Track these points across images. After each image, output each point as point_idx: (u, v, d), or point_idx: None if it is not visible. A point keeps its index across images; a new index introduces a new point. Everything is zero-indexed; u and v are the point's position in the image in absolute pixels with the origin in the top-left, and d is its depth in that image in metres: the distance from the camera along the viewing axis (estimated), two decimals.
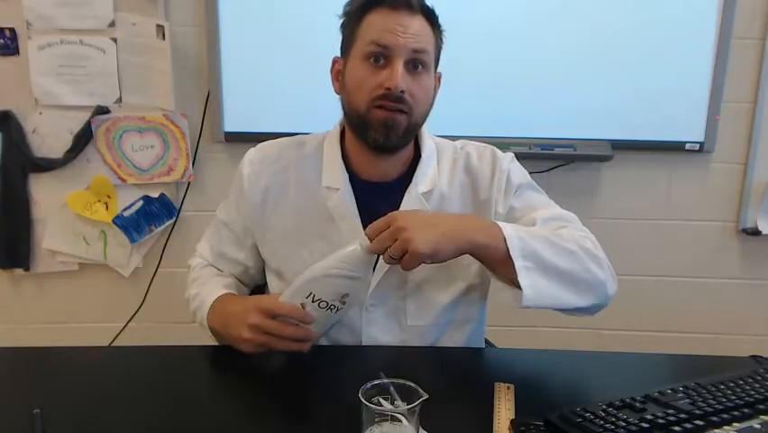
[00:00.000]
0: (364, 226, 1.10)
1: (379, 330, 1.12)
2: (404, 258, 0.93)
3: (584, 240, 1.05)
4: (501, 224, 1.00)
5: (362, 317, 1.12)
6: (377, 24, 1.05)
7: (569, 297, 1.00)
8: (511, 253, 0.96)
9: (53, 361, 1.06)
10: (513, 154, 1.19)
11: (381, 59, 1.04)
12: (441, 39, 1.11)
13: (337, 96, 1.14)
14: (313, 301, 0.95)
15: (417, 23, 1.05)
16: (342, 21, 1.12)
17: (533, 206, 1.14)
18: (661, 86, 1.90)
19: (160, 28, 1.87)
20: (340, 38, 1.13)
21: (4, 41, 1.87)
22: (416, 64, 1.05)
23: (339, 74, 1.13)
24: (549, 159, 1.95)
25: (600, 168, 2.00)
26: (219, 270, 1.23)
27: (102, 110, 1.90)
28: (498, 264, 1.00)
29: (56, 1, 1.83)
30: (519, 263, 0.97)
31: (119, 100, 1.91)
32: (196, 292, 1.17)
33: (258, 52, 1.89)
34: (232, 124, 1.94)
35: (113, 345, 1.99)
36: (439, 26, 1.10)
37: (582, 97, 1.91)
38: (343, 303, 0.97)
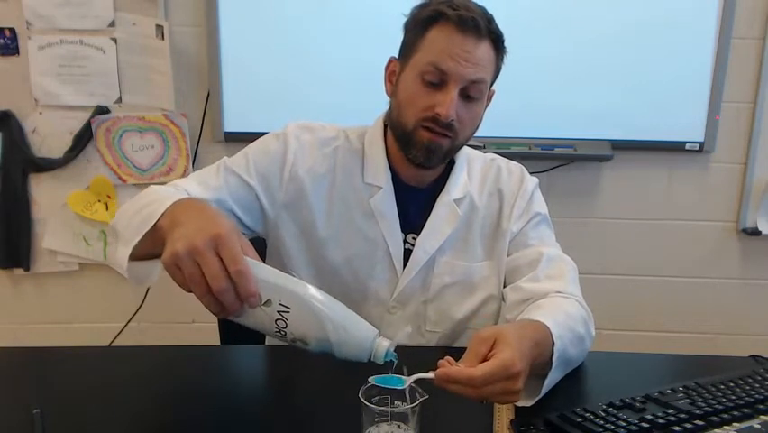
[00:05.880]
0: (401, 227, 1.12)
1: (398, 333, 1.12)
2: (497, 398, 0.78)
3: (584, 315, 1.02)
4: (551, 326, 0.89)
5: (383, 318, 1.13)
6: (440, 43, 1.01)
7: (561, 377, 0.94)
8: (553, 359, 0.88)
9: (53, 361, 1.06)
10: (538, 181, 1.20)
11: (437, 81, 1.01)
12: (502, 61, 1.09)
13: (387, 99, 1.12)
14: (279, 313, 0.74)
15: (482, 50, 1.01)
16: (406, 22, 1.08)
17: (543, 240, 1.15)
18: (661, 86, 1.91)
19: (159, 28, 1.87)
20: (401, 37, 1.09)
21: (4, 41, 1.87)
22: (470, 94, 1.03)
23: (393, 75, 1.10)
24: (549, 159, 1.95)
25: (600, 168, 2.00)
26: None
27: (102, 110, 1.90)
28: (534, 366, 0.87)
29: (56, 1, 1.83)
30: (553, 366, 0.88)
31: (119, 100, 1.91)
32: (153, 198, 0.90)
33: (258, 52, 1.89)
34: (232, 124, 1.94)
35: (113, 345, 1.99)
36: (503, 49, 1.07)
37: (582, 97, 1.91)
38: (294, 342, 0.76)
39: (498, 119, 1.92)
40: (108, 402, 0.91)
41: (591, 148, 1.93)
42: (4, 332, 2.06)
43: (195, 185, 1.07)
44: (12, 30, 1.86)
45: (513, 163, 1.21)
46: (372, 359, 0.75)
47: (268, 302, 0.75)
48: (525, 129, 1.92)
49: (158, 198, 0.89)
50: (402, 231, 1.12)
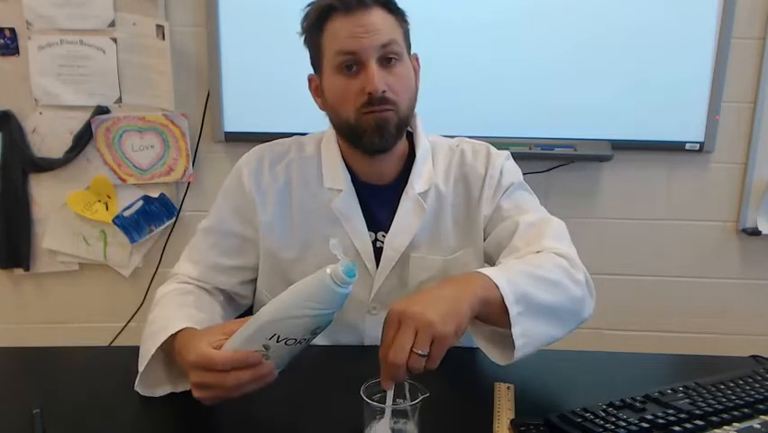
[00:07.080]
0: (370, 227, 1.11)
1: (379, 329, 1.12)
2: (432, 349, 0.78)
3: (561, 261, 0.99)
4: (485, 270, 0.91)
5: (365, 319, 1.12)
6: (338, 33, 1.03)
7: (554, 331, 0.94)
8: (505, 300, 0.87)
9: (53, 361, 1.06)
10: (509, 153, 1.18)
11: (354, 66, 1.02)
12: (405, 21, 1.09)
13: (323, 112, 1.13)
14: (278, 341, 0.80)
15: (376, 17, 1.03)
16: (303, 38, 1.11)
17: (520, 207, 1.12)
18: (661, 86, 1.90)
19: (159, 28, 1.87)
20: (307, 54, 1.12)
21: (4, 41, 1.87)
22: (388, 58, 1.03)
23: (318, 90, 1.11)
24: (549, 159, 1.95)
25: (600, 168, 2.00)
26: (207, 289, 1.12)
27: (102, 110, 1.90)
28: (495, 316, 0.90)
29: (56, 1, 1.83)
30: (513, 310, 0.88)
31: (119, 100, 1.91)
32: (155, 328, 0.97)
33: (258, 52, 1.89)
34: (232, 124, 1.94)
35: (113, 345, 1.99)
36: (398, 10, 1.08)
37: (582, 97, 1.91)
38: (315, 334, 0.82)
39: (498, 119, 1.93)
40: (108, 402, 0.91)
41: (591, 148, 1.93)
42: (4, 332, 2.06)
43: (189, 266, 1.13)
44: (12, 30, 1.86)
45: (478, 143, 1.19)
46: (347, 287, 0.77)
47: (266, 347, 0.81)
48: (525, 129, 1.92)
49: (158, 328, 0.95)
50: (372, 230, 1.12)
